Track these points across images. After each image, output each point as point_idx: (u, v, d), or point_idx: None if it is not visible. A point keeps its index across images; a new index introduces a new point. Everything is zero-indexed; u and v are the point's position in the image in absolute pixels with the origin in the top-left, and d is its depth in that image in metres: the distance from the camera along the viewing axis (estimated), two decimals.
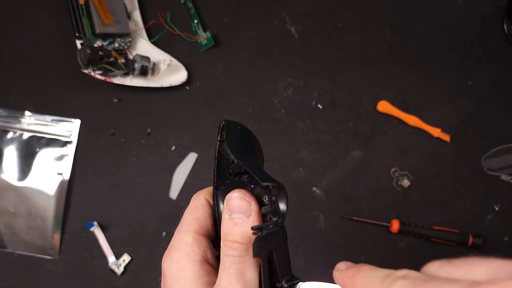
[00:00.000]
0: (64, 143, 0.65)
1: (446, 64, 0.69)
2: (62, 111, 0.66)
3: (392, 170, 0.66)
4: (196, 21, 0.68)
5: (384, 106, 0.67)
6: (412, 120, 0.67)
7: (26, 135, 0.65)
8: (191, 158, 0.67)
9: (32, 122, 0.64)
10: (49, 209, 0.64)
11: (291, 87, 0.68)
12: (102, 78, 0.63)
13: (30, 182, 0.64)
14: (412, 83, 0.68)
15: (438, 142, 0.68)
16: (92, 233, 0.65)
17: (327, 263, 0.66)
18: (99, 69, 0.61)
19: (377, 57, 0.69)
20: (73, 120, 0.66)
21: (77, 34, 0.63)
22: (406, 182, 0.66)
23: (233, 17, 0.69)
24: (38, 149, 0.64)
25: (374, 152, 0.67)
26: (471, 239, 0.64)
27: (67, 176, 0.65)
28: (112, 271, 0.64)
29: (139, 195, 0.66)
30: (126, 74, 0.64)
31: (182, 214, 0.33)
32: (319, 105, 0.68)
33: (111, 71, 0.61)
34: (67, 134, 0.65)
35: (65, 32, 0.67)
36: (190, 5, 0.68)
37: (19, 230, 0.64)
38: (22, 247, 0.64)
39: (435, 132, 0.67)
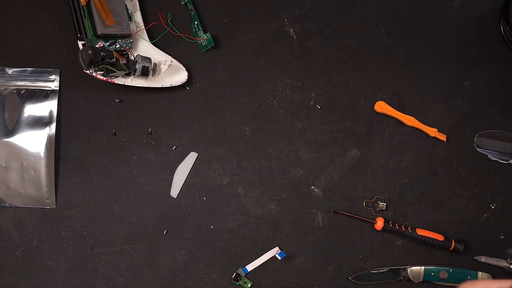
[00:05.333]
0: (47, 93, 0.67)
1: (442, 65, 0.70)
2: (64, 110, 0.67)
3: (365, 202, 0.67)
4: (196, 23, 0.69)
5: (381, 106, 0.68)
6: (409, 120, 0.67)
7: (7, 90, 0.66)
8: (191, 157, 0.67)
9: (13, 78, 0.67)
10: (40, 158, 0.66)
11: (290, 88, 0.69)
12: (104, 78, 0.63)
13: (19, 135, 0.66)
14: (408, 83, 0.69)
15: (434, 142, 0.68)
16: (93, 231, 0.65)
17: (326, 261, 0.67)
18: (100, 70, 0.62)
19: (374, 58, 0.70)
20: (53, 70, 0.67)
21: (78, 35, 0.64)
22: (382, 205, 0.67)
23: (233, 19, 0.70)
24: (22, 102, 0.66)
25: (371, 151, 0.68)
26: (453, 244, 0.65)
27: (53, 124, 0.67)
28: None
29: (140, 193, 0.67)
30: (127, 75, 0.64)
31: None
32: (317, 105, 0.69)
33: (112, 71, 0.62)
34: (49, 84, 0.67)
35: (67, 33, 0.68)
36: (191, 6, 0.69)
37: (13, 183, 0.66)
38: (18, 200, 0.66)
39: (432, 132, 0.67)
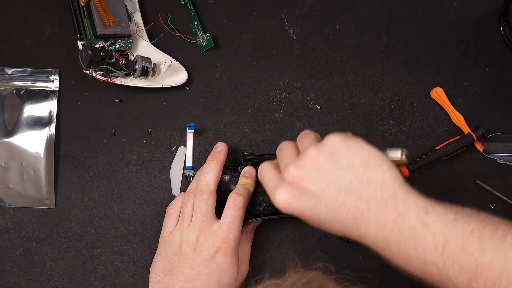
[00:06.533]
0: (47, 94, 0.67)
1: (442, 65, 0.70)
2: (63, 111, 0.67)
3: None
4: (196, 23, 0.69)
5: (438, 93, 0.68)
6: (458, 117, 0.67)
7: (7, 91, 0.66)
8: (181, 151, 0.67)
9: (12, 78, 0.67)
10: (40, 158, 0.66)
11: (289, 88, 0.69)
12: (103, 78, 0.63)
13: (19, 135, 0.66)
14: (408, 84, 0.69)
15: (433, 142, 0.68)
16: (93, 231, 0.65)
17: (325, 261, 0.67)
18: (100, 70, 0.62)
19: (373, 58, 0.70)
20: (52, 70, 0.68)
21: (78, 35, 0.64)
22: None
23: (233, 19, 0.70)
24: (21, 103, 0.66)
25: None
26: (474, 136, 0.65)
27: (53, 124, 0.67)
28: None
29: (140, 193, 0.67)
30: (127, 75, 0.64)
31: None
32: (316, 106, 0.69)
33: (112, 71, 0.62)
34: (49, 84, 0.67)
35: (66, 33, 0.68)
36: (190, 6, 0.69)
37: (13, 184, 0.66)
38: (18, 200, 0.66)
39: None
